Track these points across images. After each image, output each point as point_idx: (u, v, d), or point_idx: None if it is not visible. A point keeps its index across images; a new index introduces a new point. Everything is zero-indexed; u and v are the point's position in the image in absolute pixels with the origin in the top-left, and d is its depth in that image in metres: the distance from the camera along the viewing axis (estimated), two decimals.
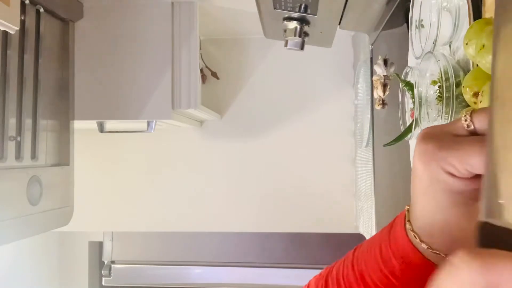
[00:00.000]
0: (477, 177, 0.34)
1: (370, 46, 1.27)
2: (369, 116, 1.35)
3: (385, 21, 1.05)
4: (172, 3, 1.31)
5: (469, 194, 0.35)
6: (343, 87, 1.70)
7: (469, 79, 0.56)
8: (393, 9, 0.97)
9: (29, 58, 1.10)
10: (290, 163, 1.72)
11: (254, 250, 1.79)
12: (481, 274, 0.24)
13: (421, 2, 0.78)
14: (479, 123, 0.34)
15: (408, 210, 0.40)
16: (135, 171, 1.75)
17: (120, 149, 1.75)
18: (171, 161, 1.75)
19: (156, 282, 1.82)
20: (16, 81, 1.06)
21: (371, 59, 1.28)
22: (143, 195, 1.75)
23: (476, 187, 0.34)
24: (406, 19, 0.89)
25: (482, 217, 0.27)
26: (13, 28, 0.86)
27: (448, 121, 0.63)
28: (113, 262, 1.83)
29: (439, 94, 0.67)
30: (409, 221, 0.39)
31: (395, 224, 0.41)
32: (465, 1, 0.63)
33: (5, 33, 1.00)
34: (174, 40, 1.31)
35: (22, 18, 1.07)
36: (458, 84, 0.63)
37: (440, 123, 0.65)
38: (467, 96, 0.55)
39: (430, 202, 0.36)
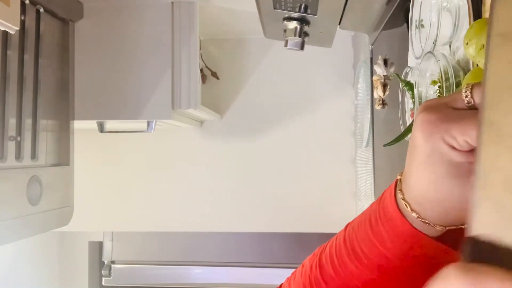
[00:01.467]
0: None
1: (370, 46, 1.27)
2: (369, 116, 1.35)
3: (385, 21, 1.05)
4: (172, 3, 1.31)
5: (465, 167, 0.35)
6: (343, 87, 1.70)
7: (469, 79, 0.56)
8: (393, 9, 0.97)
9: (29, 58, 1.10)
10: (290, 163, 1.72)
11: (254, 250, 1.79)
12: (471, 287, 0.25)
13: (421, 2, 0.78)
14: (479, 97, 0.35)
15: (400, 180, 0.40)
16: (135, 171, 1.75)
17: (120, 149, 1.75)
18: (171, 161, 1.74)
19: (156, 282, 1.82)
20: (16, 81, 1.06)
21: (371, 59, 1.28)
22: (143, 195, 1.75)
23: (473, 161, 0.35)
24: (406, 19, 0.89)
25: (471, 232, 0.28)
26: (13, 28, 0.86)
27: None
28: (113, 262, 1.83)
29: (439, 94, 0.67)
30: (400, 190, 0.40)
31: (384, 196, 0.42)
32: (465, 1, 0.63)
33: (5, 33, 1.00)
34: (174, 40, 1.31)
35: (22, 18, 1.07)
36: (458, 84, 0.63)
37: None
38: None
39: (427, 173, 0.37)
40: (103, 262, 1.84)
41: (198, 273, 1.81)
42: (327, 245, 0.49)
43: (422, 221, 0.39)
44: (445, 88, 0.64)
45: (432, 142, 0.36)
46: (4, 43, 1.02)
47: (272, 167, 1.72)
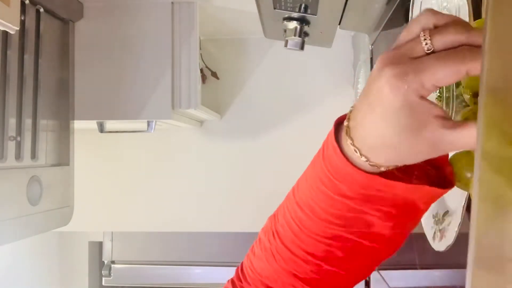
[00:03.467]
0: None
1: (370, 46, 1.27)
2: None
3: (385, 21, 1.05)
4: (172, 3, 1.31)
5: (426, 113, 0.37)
6: (343, 87, 1.70)
7: (469, 79, 0.56)
8: (393, 9, 0.97)
9: (29, 58, 1.10)
10: (290, 163, 1.71)
11: None
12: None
13: (421, 2, 0.78)
14: (439, 44, 0.37)
15: (348, 127, 0.42)
16: (135, 171, 1.75)
17: (120, 149, 1.75)
18: (171, 161, 1.74)
19: (156, 282, 1.82)
20: (16, 81, 1.06)
21: (371, 59, 1.28)
22: (143, 195, 1.75)
23: (432, 116, 0.37)
24: (406, 19, 0.89)
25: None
26: (13, 28, 0.86)
27: None
28: (113, 262, 1.83)
29: (439, 94, 0.67)
30: (350, 137, 0.42)
31: (328, 154, 0.44)
32: (465, 1, 0.63)
33: (5, 33, 1.00)
34: (174, 40, 1.31)
35: (22, 18, 1.07)
36: (458, 84, 0.63)
37: None
38: (467, 96, 0.55)
39: (390, 124, 0.38)
40: (103, 262, 1.84)
41: (198, 273, 1.81)
42: (277, 215, 0.52)
43: (370, 164, 0.41)
44: (445, 88, 0.64)
45: (402, 95, 0.37)
46: (4, 43, 1.02)
47: (272, 167, 1.72)
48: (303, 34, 0.93)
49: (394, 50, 0.39)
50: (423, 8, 0.78)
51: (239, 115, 1.74)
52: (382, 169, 0.41)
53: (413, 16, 0.81)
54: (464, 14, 0.64)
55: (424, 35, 0.37)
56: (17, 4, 0.87)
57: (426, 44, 0.37)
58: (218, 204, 1.73)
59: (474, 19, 0.61)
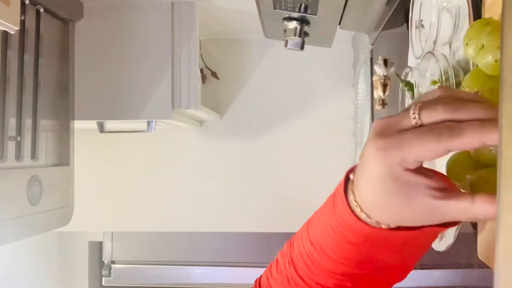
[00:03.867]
0: (422, 168, 0.39)
1: (370, 46, 1.27)
2: (369, 116, 1.35)
3: (385, 21, 1.05)
4: (172, 3, 1.31)
5: (411, 183, 0.39)
6: (343, 87, 1.70)
7: (469, 79, 0.56)
8: (393, 9, 0.97)
9: (29, 58, 1.10)
10: (290, 163, 1.72)
11: (254, 250, 1.79)
12: None
13: (421, 2, 0.78)
14: (426, 119, 0.37)
15: (352, 182, 0.44)
16: (135, 171, 1.75)
17: (120, 149, 1.75)
18: (171, 161, 1.74)
19: (156, 282, 1.82)
20: (16, 81, 1.06)
21: (371, 59, 1.28)
22: (143, 195, 1.75)
23: (422, 175, 0.38)
24: (406, 19, 0.89)
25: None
26: (13, 28, 0.86)
27: None
28: (113, 262, 1.83)
29: None
30: (353, 192, 0.43)
31: (337, 203, 0.45)
32: (465, 1, 0.63)
33: (5, 33, 1.00)
34: (174, 40, 1.31)
35: (22, 18, 1.07)
36: (458, 84, 0.63)
37: None
38: None
39: (378, 189, 0.40)
40: (103, 262, 1.84)
41: (198, 273, 1.81)
42: (293, 242, 0.53)
43: (371, 220, 0.42)
44: None
45: (385, 166, 0.38)
46: (4, 43, 1.01)
47: (272, 167, 1.72)
48: (303, 34, 0.93)
49: (386, 119, 0.41)
50: (423, 8, 0.78)
51: (239, 115, 1.74)
52: (383, 226, 0.42)
53: (413, 16, 0.81)
54: (464, 14, 0.64)
55: (414, 109, 0.38)
56: (17, 4, 0.87)
57: (414, 118, 0.38)
58: (218, 204, 1.73)
59: (474, 19, 0.61)
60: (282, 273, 0.53)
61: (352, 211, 0.43)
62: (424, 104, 0.38)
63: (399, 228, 0.42)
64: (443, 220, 0.40)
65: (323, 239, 0.47)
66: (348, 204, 0.44)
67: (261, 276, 0.62)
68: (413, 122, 0.38)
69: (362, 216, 0.42)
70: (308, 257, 0.49)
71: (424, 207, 0.39)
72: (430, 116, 0.37)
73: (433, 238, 0.46)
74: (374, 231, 0.42)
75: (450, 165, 0.49)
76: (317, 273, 0.48)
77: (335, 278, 0.47)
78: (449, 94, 0.39)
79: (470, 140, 0.35)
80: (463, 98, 0.38)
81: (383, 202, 0.40)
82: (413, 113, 0.38)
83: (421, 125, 0.38)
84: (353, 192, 0.43)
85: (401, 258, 0.46)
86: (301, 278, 0.50)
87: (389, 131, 0.39)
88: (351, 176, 0.45)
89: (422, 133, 0.37)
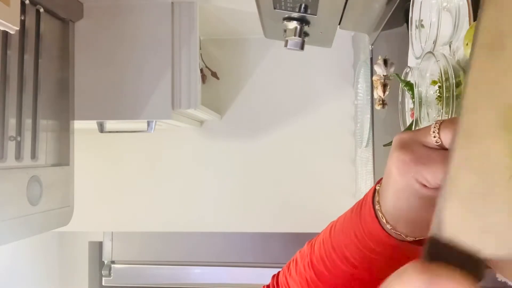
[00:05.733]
0: None
1: (370, 46, 1.27)
2: (369, 116, 1.35)
3: (385, 21, 1.05)
4: (172, 3, 1.31)
5: (435, 198, 0.38)
6: (343, 87, 1.70)
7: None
8: (393, 9, 0.97)
9: (29, 58, 1.10)
10: (290, 163, 1.72)
11: (254, 250, 1.79)
12: (427, 286, 0.28)
13: (421, 2, 0.78)
14: (445, 139, 0.37)
15: (378, 192, 0.44)
16: (135, 171, 1.75)
17: (120, 149, 1.75)
18: (171, 161, 1.74)
19: (156, 282, 1.82)
20: (16, 81, 1.06)
21: (371, 59, 1.28)
22: (143, 195, 1.75)
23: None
24: (406, 19, 0.89)
25: (433, 233, 0.31)
26: (13, 28, 0.86)
27: None
28: (113, 262, 1.83)
29: (439, 94, 0.67)
30: (378, 202, 0.43)
31: (364, 212, 0.45)
32: (465, 1, 0.63)
33: (5, 33, 1.00)
34: (174, 40, 1.31)
35: (22, 18, 1.07)
36: (458, 84, 0.63)
37: None
38: None
39: (401, 201, 0.40)
40: (103, 262, 1.84)
41: (198, 273, 1.81)
42: (314, 245, 0.53)
43: (395, 232, 0.42)
44: (445, 88, 0.64)
45: (406, 179, 0.39)
46: (4, 43, 1.02)
47: (272, 167, 1.72)
48: (303, 34, 0.93)
49: (410, 133, 0.40)
50: (423, 8, 0.78)
51: (239, 115, 1.74)
52: (408, 239, 0.42)
53: (413, 16, 0.81)
54: (464, 14, 0.64)
55: (435, 127, 0.38)
56: (17, 4, 0.87)
57: (434, 137, 0.37)
58: (218, 204, 1.73)
59: (474, 19, 0.61)
60: (301, 274, 0.53)
61: (378, 222, 0.43)
62: (445, 123, 0.38)
63: (423, 243, 0.42)
64: None
65: (346, 246, 0.47)
66: (375, 215, 0.44)
67: (278, 273, 0.62)
68: (433, 140, 0.37)
69: (387, 227, 0.42)
70: (329, 261, 0.49)
71: None
72: (449, 135, 0.37)
73: None
74: (398, 244, 0.42)
75: None
76: (337, 279, 0.49)
77: (355, 284, 0.48)
78: None
79: None
80: None
81: (407, 213, 0.40)
82: (433, 132, 0.38)
83: (445, 148, 0.37)
84: (379, 203, 0.43)
85: None
86: (320, 281, 0.50)
87: (413, 145, 0.39)
88: (377, 186, 0.45)
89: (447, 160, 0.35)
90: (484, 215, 0.30)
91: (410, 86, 0.79)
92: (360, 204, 0.48)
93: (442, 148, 0.37)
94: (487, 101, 0.29)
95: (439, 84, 0.67)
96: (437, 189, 0.37)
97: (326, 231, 0.52)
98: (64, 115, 1.26)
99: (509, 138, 0.29)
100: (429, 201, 0.38)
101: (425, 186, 0.38)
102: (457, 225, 0.30)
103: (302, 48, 0.95)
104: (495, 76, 0.29)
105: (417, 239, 0.42)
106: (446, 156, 0.35)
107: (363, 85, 1.50)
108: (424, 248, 0.31)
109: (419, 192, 0.38)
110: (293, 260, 0.58)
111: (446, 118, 0.64)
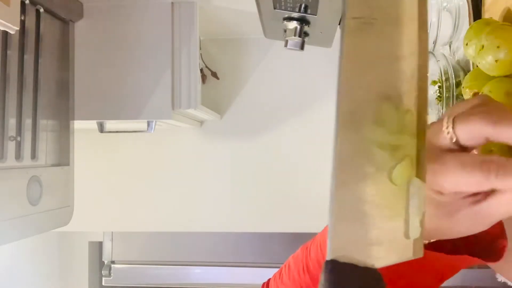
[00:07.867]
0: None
1: None
2: None
3: None
4: (172, 3, 1.31)
5: (451, 205, 0.35)
6: None
7: (469, 79, 0.56)
8: None
9: (29, 58, 1.10)
10: (289, 163, 1.72)
11: (254, 250, 1.79)
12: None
13: None
14: (463, 135, 0.32)
15: None
16: (135, 171, 1.75)
17: (120, 149, 1.75)
18: (171, 161, 1.74)
19: (156, 282, 1.82)
20: (16, 81, 1.06)
21: None
22: (143, 195, 1.75)
23: (460, 198, 0.35)
24: None
25: (328, 256, 0.31)
26: (13, 28, 0.86)
27: None
28: (113, 262, 1.83)
29: (439, 94, 0.67)
30: None
31: None
32: (465, 1, 0.63)
33: (5, 33, 1.00)
34: (174, 40, 1.31)
35: (22, 18, 1.07)
36: (458, 84, 0.63)
37: None
38: (467, 96, 0.55)
39: None
40: (103, 262, 1.84)
41: (198, 273, 1.81)
42: (310, 249, 0.52)
43: None
44: (445, 88, 0.64)
45: None
46: (4, 43, 1.02)
47: (272, 167, 1.72)
48: (303, 34, 0.93)
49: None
50: None
51: (239, 115, 1.74)
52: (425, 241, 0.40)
53: None
54: (464, 14, 0.64)
55: (448, 121, 0.33)
56: (17, 4, 0.88)
57: (448, 133, 0.33)
58: (218, 204, 1.73)
59: (474, 19, 0.61)
60: (295, 280, 0.51)
61: None
62: (459, 115, 0.33)
63: (437, 249, 0.40)
64: (492, 223, 0.35)
65: None
66: None
67: (269, 280, 0.59)
68: (447, 137, 0.33)
69: None
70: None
71: (466, 218, 0.35)
72: (466, 130, 0.32)
73: (471, 264, 0.44)
74: None
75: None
76: None
77: None
78: (487, 103, 0.33)
79: None
80: (504, 108, 0.32)
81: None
82: (447, 127, 0.33)
83: (461, 147, 0.33)
84: None
85: (430, 280, 0.44)
86: (317, 287, 0.49)
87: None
88: None
89: (465, 164, 0.31)
90: (367, 229, 0.31)
91: None
92: None
93: (458, 146, 0.33)
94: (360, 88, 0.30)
95: (439, 84, 0.67)
96: (450, 194, 0.34)
97: (323, 234, 0.50)
98: (64, 115, 1.26)
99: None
100: (446, 208, 0.35)
101: (440, 193, 0.34)
102: (346, 243, 0.31)
103: (302, 48, 0.95)
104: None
105: (431, 240, 0.40)
106: (468, 161, 0.31)
107: None
108: (324, 270, 0.31)
109: (435, 200, 0.35)
110: (285, 266, 0.56)
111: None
